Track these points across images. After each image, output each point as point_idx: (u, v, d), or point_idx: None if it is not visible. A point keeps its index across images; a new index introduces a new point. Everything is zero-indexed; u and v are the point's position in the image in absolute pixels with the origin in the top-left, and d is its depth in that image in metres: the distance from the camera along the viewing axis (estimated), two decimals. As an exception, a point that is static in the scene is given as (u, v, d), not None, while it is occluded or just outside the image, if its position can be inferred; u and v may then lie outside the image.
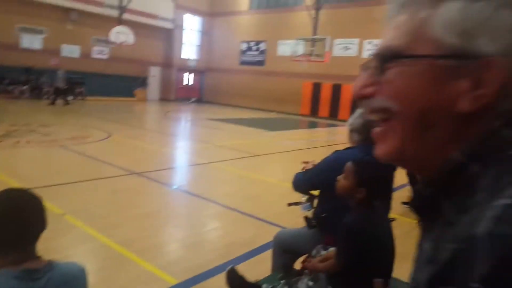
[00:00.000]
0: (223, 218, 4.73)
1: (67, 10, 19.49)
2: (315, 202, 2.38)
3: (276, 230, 2.76)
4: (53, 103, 16.07)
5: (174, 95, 24.99)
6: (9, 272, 1.18)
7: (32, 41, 18.78)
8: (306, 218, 2.30)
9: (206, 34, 26.19)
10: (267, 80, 22.75)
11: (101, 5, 20.02)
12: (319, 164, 2.25)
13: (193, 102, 25.42)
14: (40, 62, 18.61)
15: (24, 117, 11.74)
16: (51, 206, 4.62)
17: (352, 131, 2.23)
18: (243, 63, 24.26)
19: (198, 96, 26.65)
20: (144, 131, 12.40)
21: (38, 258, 1.26)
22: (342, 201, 1.80)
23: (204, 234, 4.27)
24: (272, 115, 20.18)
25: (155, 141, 10.28)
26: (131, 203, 5.08)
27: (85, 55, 20.83)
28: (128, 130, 11.54)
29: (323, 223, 2.19)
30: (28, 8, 18.14)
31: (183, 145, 10.44)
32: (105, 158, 7.36)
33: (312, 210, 2.39)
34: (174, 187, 6.04)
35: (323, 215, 2.17)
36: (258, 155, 8.71)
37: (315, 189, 2.39)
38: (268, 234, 3.22)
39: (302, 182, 2.35)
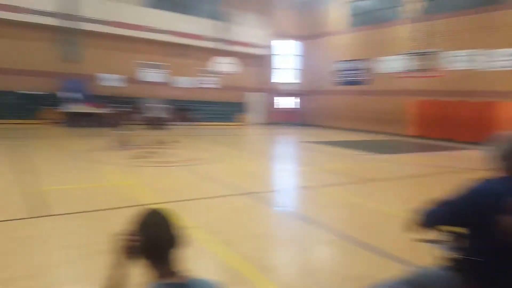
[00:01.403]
0: (337, 246, 4.43)
1: (177, 46, 21.72)
2: (459, 241, 1.97)
3: (398, 266, 2.46)
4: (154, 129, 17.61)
5: (273, 118, 25.72)
6: (161, 285, 1.32)
7: (150, 75, 21.47)
8: (452, 259, 1.96)
9: (303, 57, 26.65)
10: (369, 99, 21.79)
11: (206, 38, 21.95)
12: (460, 195, 1.88)
13: (293, 125, 25.66)
14: (157, 93, 21.01)
15: (147, 140, 13.12)
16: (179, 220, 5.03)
17: (500, 157, 1.88)
18: (342, 83, 23.87)
19: (299, 119, 26.76)
20: (250, 153, 12.91)
21: (178, 272, 1.39)
22: (506, 244, 1.53)
23: (319, 262, 4.10)
24: (379, 137, 18.86)
25: (262, 162, 10.63)
26: (245, 222, 5.25)
27: (193, 84, 22.93)
28: (235, 152, 12.19)
29: (476, 268, 1.84)
30: (148, 46, 20.91)
31: (289, 167, 10.34)
32: (218, 177, 7.86)
33: (452, 250, 1.99)
34: (284, 209, 6.07)
35: (479, 259, 1.81)
36: (369, 180, 8.06)
37: (454, 225, 1.98)
38: (388, 269, 2.90)
39: (438, 217, 1.97)
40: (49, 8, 17.39)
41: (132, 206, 5.50)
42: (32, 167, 7.92)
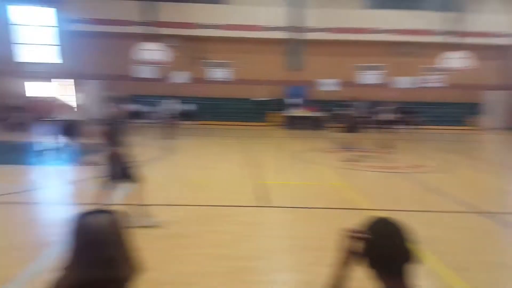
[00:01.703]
0: None
1: (398, 44, 20.63)
2: None
3: None
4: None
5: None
6: None
7: (369, 77, 21.22)
8: None
9: None
10: None
11: (434, 33, 19.79)
12: None
13: None
14: (376, 95, 20.55)
15: (364, 144, 12.94)
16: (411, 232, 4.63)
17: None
18: None
19: None
20: (487, 164, 10.77)
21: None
22: None
23: None
24: None
25: (502, 176, 8.62)
26: (478, 246, 4.33)
27: (417, 84, 21.07)
28: (468, 161, 10.42)
29: None
30: (367, 48, 20.68)
31: None
32: (444, 189, 6.88)
33: None
34: None
35: None
36: None
37: None
38: None
39: None
40: (279, 23, 19.87)
41: (344, 208, 5.51)
42: (259, 163, 9.17)
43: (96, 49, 19.84)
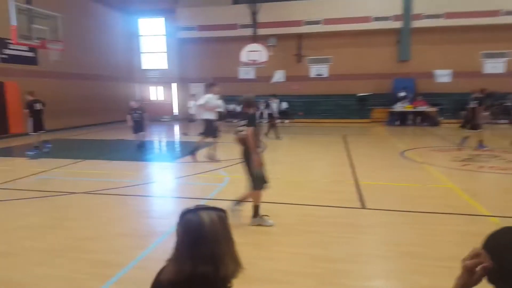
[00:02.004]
0: None
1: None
2: None
3: None
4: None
5: None
6: None
7: (494, 66, 18.62)
8: None
9: None
10: None
11: None
12: None
13: None
14: (502, 86, 18.01)
15: (487, 141, 11.60)
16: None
17: None
18: None
19: None
20: None
21: None
22: None
23: None
24: None
25: None
26: None
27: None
28: None
29: None
30: (492, 33, 18.20)
31: None
32: None
33: None
34: None
35: None
36: None
37: None
38: None
39: None
40: (390, 13, 18.78)
41: (453, 213, 5.09)
42: (360, 162, 8.87)
43: (202, 53, 21.62)
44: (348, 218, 4.96)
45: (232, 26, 20.22)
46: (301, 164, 8.80)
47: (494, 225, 4.67)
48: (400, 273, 3.53)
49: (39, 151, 9.75)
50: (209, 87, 8.98)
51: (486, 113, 10.93)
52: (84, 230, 4.57)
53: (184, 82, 22.10)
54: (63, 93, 15.91)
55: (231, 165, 8.37)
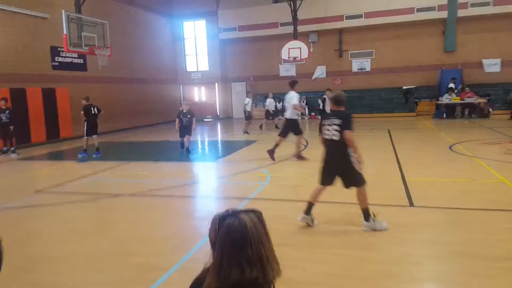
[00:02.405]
0: None
1: None
2: None
3: None
4: None
5: None
6: None
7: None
8: None
9: None
10: None
11: None
12: None
13: None
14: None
15: None
16: None
17: None
18: None
19: None
20: None
21: None
22: None
23: None
24: None
25: None
26: None
27: None
28: None
29: None
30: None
31: None
32: None
33: None
34: None
35: None
36: None
37: None
38: None
39: None
40: (435, 3, 17.95)
41: (501, 210, 4.83)
42: (406, 157, 8.58)
43: (243, 53, 21.84)
44: (395, 217, 4.84)
45: (273, 25, 20.26)
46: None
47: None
48: (453, 275, 3.42)
49: (88, 154, 10.07)
50: (293, 84, 8.77)
51: None
52: (129, 233, 4.66)
53: (225, 82, 22.47)
54: (110, 97, 16.73)
55: (272, 164, 8.42)
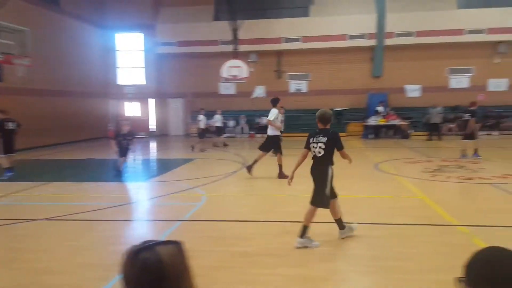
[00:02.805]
0: None
1: (494, 45, 18.70)
2: None
3: None
4: (430, 139, 16.59)
5: None
6: None
7: (459, 81, 19.51)
8: None
9: None
10: None
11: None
12: None
13: None
14: (467, 100, 18.88)
15: (452, 152, 12.06)
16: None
17: None
18: None
19: None
20: None
21: None
22: None
23: None
24: None
25: None
26: None
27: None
28: None
29: None
30: (457, 50, 19.11)
31: None
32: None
33: None
34: None
35: None
36: None
37: None
38: None
39: None
40: (365, 31, 19.45)
41: (425, 224, 5.18)
42: (338, 174, 8.87)
43: (182, 69, 21.53)
44: (326, 234, 4.97)
45: (213, 42, 20.33)
46: (282, 180, 8.71)
47: (465, 234, 4.75)
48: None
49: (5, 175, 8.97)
50: (275, 102, 8.98)
51: (478, 124, 11.68)
52: (45, 263, 4.22)
53: (162, 97, 21.85)
54: (32, 110, 15.22)
55: (209, 183, 8.20)
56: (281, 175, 8.58)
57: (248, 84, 20.48)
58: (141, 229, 5.65)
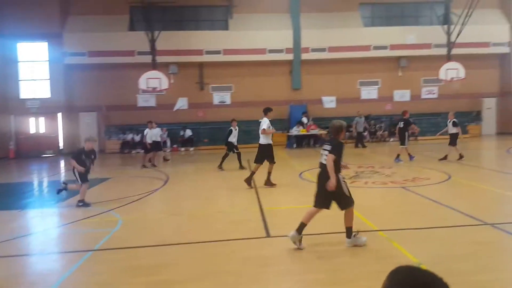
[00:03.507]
0: None
1: (397, 59, 20.82)
2: None
3: None
4: (357, 146, 17.75)
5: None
6: None
7: (369, 92, 21.30)
8: None
9: None
10: None
11: (428, 46, 20.09)
12: None
13: None
14: (376, 110, 20.71)
15: (366, 159, 12.94)
16: (405, 252, 4.40)
17: None
18: None
19: None
20: (485, 171, 10.57)
21: None
22: None
23: None
24: None
25: (501, 184, 8.37)
26: (494, 262, 4.09)
27: (415, 97, 21.26)
28: (467, 170, 10.20)
29: None
30: (365, 65, 20.86)
31: None
32: (449, 202, 6.72)
33: None
34: None
35: None
36: None
37: None
38: None
39: None
40: (283, 46, 20.15)
41: (341, 232, 5.24)
42: (261, 186, 8.89)
43: (94, 80, 19.99)
44: (254, 250, 4.78)
45: (129, 53, 19.26)
46: (207, 194, 8.39)
47: (383, 238, 4.94)
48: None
49: None
50: (266, 111, 9.13)
51: (411, 131, 13.03)
52: None
53: (71, 111, 19.97)
54: None
55: (125, 205, 7.51)
56: (269, 183, 8.74)
57: (170, 96, 19.83)
58: (41, 265, 4.83)
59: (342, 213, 6.06)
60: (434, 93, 21.34)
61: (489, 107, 21.59)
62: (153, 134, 13.61)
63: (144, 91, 18.24)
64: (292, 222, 5.85)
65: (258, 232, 5.48)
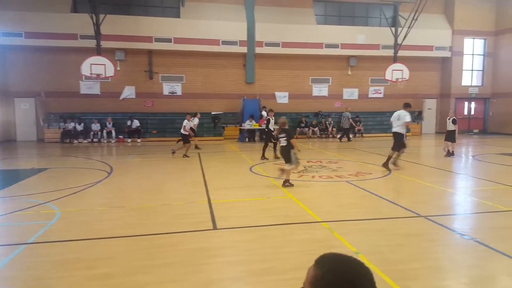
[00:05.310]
0: None
1: (347, 58, 21.62)
2: None
3: None
4: (340, 140, 18.49)
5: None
6: None
7: (320, 90, 21.91)
8: None
9: (490, 56, 22.74)
10: None
11: (377, 47, 21.05)
12: None
13: (474, 134, 22.09)
14: (327, 107, 21.37)
15: (316, 154, 13.34)
16: (346, 243, 4.60)
17: None
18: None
19: (482, 127, 23.04)
20: (424, 168, 11.36)
21: None
22: None
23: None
24: None
25: (437, 179, 9.09)
26: (425, 251, 4.42)
27: (363, 96, 22.23)
28: (407, 166, 10.88)
29: None
30: (317, 62, 21.42)
31: (469, 185, 8.64)
32: (388, 196, 7.19)
33: None
34: (468, 238, 4.89)
35: None
36: None
37: None
38: None
39: None
40: (237, 38, 19.97)
41: (290, 224, 5.40)
42: (210, 179, 8.85)
43: (32, 64, 18.52)
44: (199, 243, 4.74)
45: (72, 36, 18.06)
46: (154, 187, 8.15)
47: (326, 229, 5.13)
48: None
49: None
50: (406, 106, 10.38)
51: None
52: None
53: (5, 96, 18.39)
54: None
55: (64, 197, 7.07)
56: (386, 165, 10.11)
57: (116, 84, 18.98)
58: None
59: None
60: (380, 93, 22.46)
61: (430, 107, 23.16)
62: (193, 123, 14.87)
63: (87, 78, 17.23)
64: (240, 214, 5.96)
65: (205, 224, 5.43)
